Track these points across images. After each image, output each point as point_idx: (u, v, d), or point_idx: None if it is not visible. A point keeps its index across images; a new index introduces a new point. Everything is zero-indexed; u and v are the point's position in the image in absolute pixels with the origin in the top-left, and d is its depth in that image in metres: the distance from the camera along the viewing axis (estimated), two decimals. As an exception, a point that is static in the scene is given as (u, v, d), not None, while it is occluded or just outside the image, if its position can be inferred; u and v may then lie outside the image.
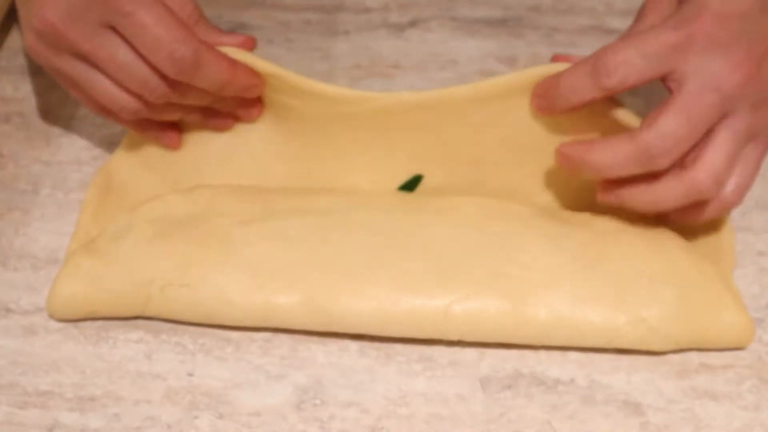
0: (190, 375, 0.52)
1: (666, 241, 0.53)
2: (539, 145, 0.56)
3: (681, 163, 0.50)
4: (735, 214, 0.59)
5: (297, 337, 0.53)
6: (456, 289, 0.51)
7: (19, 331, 0.53)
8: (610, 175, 0.51)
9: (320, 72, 0.68)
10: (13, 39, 0.71)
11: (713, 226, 0.57)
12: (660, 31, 0.49)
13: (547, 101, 0.53)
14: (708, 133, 0.49)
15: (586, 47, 0.71)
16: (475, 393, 0.51)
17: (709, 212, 0.52)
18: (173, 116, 0.56)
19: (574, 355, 0.52)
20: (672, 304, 0.51)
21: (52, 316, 0.54)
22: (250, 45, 0.56)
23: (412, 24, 0.72)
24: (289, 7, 0.73)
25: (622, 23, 0.73)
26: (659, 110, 0.49)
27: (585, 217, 0.55)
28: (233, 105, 0.57)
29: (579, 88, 0.51)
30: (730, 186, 0.50)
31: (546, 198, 0.58)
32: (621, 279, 0.51)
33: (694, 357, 0.52)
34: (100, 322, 0.54)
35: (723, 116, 0.49)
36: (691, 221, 0.53)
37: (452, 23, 0.72)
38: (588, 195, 0.56)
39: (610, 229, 0.53)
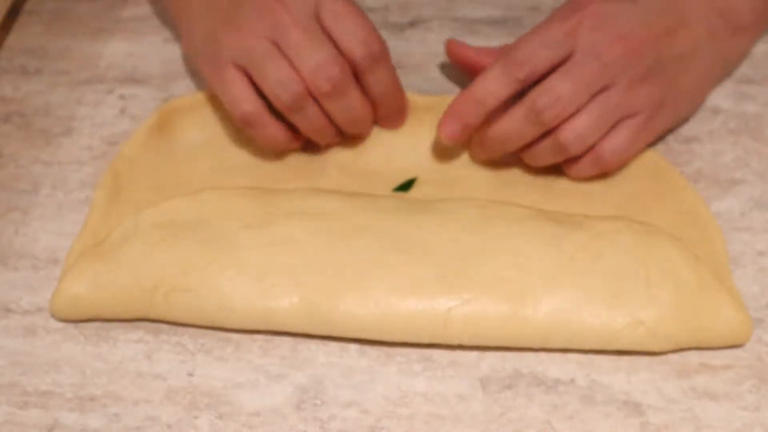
0: (190, 375, 0.52)
1: (661, 241, 0.53)
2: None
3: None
4: (735, 214, 0.59)
5: (297, 337, 0.53)
6: (455, 295, 0.51)
7: (19, 331, 0.53)
8: (512, 145, 0.58)
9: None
10: (13, 39, 0.71)
11: (701, 225, 0.57)
12: (554, 22, 0.56)
13: (463, 117, 0.57)
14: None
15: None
16: (475, 393, 0.51)
17: (585, 168, 0.58)
18: (318, 126, 0.58)
19: (574, 355, 0.52)
20: (669, 305, 0.51)
21: (54, 317, 0.54)
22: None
23: (412, 24, 0.72)
24: (289, 7, 0.73)
25: (622, 23, 0.73)
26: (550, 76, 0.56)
27: (580, 218, 0.55)
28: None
29: (495, 88, 0.56)
30: (608, 148, 0.57)
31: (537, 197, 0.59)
32: (617, 281, 0.51)
33: (694, 357, 0.52)
34: (100, 322, 0.54)
35: (602, 88, 0.56)
36: (575, 175, 0.59)
37: (452, 23, 0.72)
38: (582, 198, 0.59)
39: (605, 230, 0.53)
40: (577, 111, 0.56)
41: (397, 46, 0.70)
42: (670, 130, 0.63)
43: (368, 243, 0.52)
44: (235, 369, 0.52)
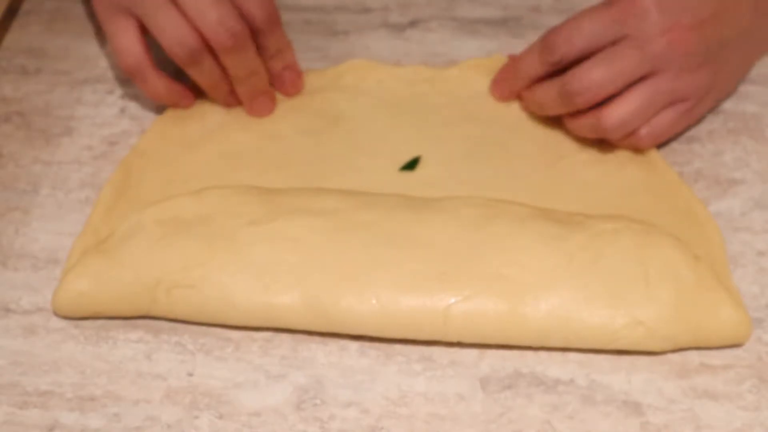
0: (190, 375, 0.52)
1: (660, 241, 0.53)
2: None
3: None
4: (735, 214, 0.59)
5: (297, 337, 0.53)
6: (455, 291, 0.51)
7: (19, 331, 0.53)
8: (548, 112, 0.61)
9: (320, 72, 0.68)
10: (13, 38, 0.71)
11: (700, 225, 0.57)
12: (597, 10, 0.57)
13: (507, 84, 0.63)
14: (630, 87, 0.57)
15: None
16: (475, 393, 0.51)
17: (621, 143, 0.60)
18: (214, 80, 0.61)
19: (574, 355, 0.52)
20: (668, 305, 0.51)
21: (56, 313, 0.54)
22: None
23: (412, 24, 0.72)
24: (289, 7, 0.73)
25: (622, 23, 0.73)
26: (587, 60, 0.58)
27: (581, 217, 0.55)
28: (259, 88, 0.63)
29: (530, 67, 0.61)
30: (644, 131, 0.59)
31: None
32: (617, 280, 0.51)
33: (694, 357, 0.52)
34: (100, 322, 0.54)
35: (647, 75, 0.57)
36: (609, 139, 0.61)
37: (452, 23, 0.72)
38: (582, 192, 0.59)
39: (605, 230, 0.53)
40: (620, 95, 0.57)
41: (397, 46, 0.70)
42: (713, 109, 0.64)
43: (369, 240, 0.53)
44: (235, 369, 0.52)
